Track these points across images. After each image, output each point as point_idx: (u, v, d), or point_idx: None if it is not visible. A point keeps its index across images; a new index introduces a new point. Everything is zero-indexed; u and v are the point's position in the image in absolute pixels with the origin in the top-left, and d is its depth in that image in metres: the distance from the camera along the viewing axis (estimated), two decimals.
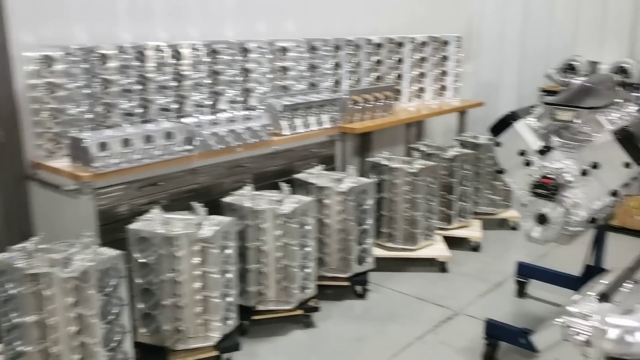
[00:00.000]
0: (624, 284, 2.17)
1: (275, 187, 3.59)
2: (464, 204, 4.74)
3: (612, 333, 1.85)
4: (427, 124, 5.60)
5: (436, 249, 4.37)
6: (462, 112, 5.42)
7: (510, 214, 5.04)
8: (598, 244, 3.51)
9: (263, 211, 3.30)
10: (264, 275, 3.39)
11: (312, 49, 4.26)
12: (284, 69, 4.10)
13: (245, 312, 3.41)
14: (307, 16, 4.44)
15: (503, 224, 5.17)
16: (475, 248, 4.71)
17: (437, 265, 4.35)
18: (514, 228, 5.07)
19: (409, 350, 3.35)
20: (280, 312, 3.47)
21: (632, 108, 3.11)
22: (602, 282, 2.23)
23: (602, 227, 3.45)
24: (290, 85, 4.15)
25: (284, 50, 4.08)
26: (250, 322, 3.46)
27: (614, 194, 2.78)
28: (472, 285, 4.12)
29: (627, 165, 2.71)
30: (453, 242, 4.63)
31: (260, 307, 3.45)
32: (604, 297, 2.00)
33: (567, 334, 1.93)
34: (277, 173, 3.90)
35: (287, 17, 4.31)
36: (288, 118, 3.86)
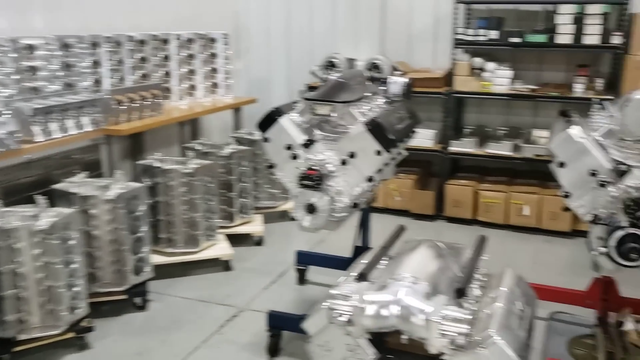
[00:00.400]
0: (380, 261, 2.35)
1: (31, 200, 3.21)
2: (245, 200, 4.79)
3: (370, 310, 1.99)
4: (202, 122, 5.53)
5: (219, 248, 4.34)
6: (236, 109, 5.45)
7: (290, 205, 5.22)
8: (364, 226, 3.79)
9: (16, 229, 2.93)
10: (24, 300, 3.01)
11: (65, 46, 3.88)
12: (33, 69, 3.67)
13: (4, 344, 3.01)
14: (58, 11, 4.03)
15: (284, 215, 5.34)
16: (259, 242, 4.79)
17: (221, 265, 4.32)
18: (293, 219, 5.26)
19: (195, 355, 3.27)
20: (47, 338, 3.12)
21: (380, 100, 3.41)
22: (363, 262, 2.39)
23: (365, 210, 3.73)
24: (42, 87, 3.73)
25: (31, 48, 3.66)
26: (12, 354, 3.06)
27: (370, 179, 3.03)
28: (257, 280, 4.18)
29: (378, 153, 2.97)
30: (237, 239, 4.65)
31: (23, 337, 3.07)
32: (361, 276, 2.14)
33: (331, 316, 2.03)
34: (32, 185, 3.49)
35: (34, 12, 3.86)
36: (41, 123, 3.46)
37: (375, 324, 2.00)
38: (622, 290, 3.26)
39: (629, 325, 3.21)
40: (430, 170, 5.86)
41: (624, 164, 2.67)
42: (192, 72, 5.05)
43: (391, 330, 2.03)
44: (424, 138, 5.35)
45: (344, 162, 2.99)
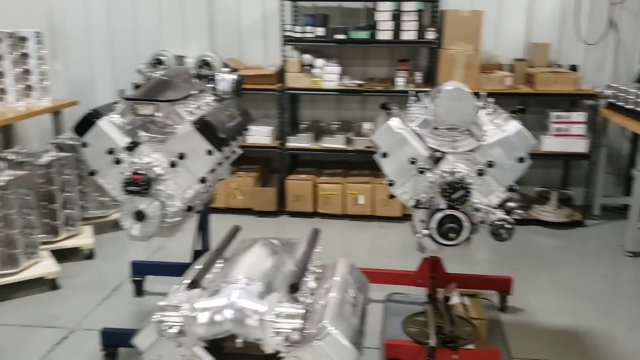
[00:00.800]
0: (213, 265, 2.27)
1: None
2: (70, 211, 4.42)
3: (202, 317, 1.91)
4: (16, 129, 5.00)
5: (42, 266, 3.95)
6: (55, 112, 5.01)
7: None
8: (202, 228, 3.69)
9: None
10: None
11: None
12: None
13: None
14: None
15: (117, 225, 4.97)
16: (89, 256, 4.45)
17: (47, 284, 3.94)
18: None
19: None
20: None
21: (209, 98, 3.32)
22: (196, 268, 2.30)
23: (203, 212, 3.63)
24: None
25: None
26: None
27: (203, 180, 2.93)
28: (88, 296, 3.87)
29: (209, 152, 2.88)
30: (64, 255, 4.28)
31: None
32: (192, 284, 2.05)
33: (161, 329, 1.92)
34: None
35: None
36: None
37: (209, 331, 1.92)
38: (448, 267, 3.51)
39: (455, 299, 3.47)
40: (270, 166, 5.89)
41: (439, 151, 2.86)
42: (0, 74, 4.54)
43: (227, 335, 1.97)
44: (261, 135, 5.36)
45: (173, 164, 2.86)
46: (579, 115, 5.11)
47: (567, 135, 5.10)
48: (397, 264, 4.03)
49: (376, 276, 3.78)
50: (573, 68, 5.28)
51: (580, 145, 5.12)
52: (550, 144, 5.11)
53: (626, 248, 4.64)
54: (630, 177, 4.92)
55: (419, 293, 3.58)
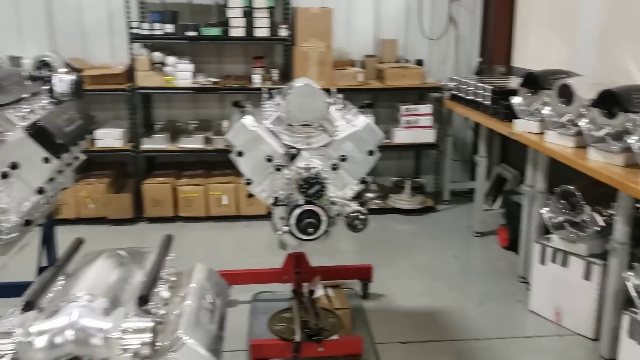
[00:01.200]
0: (53, 283, 2.08)
1: None
2: None
3: (40, 341, 1.73)
4: None
5: None
6: None
7: None
8: (47, 243, 3.41)
9: None
10: None
11: None
12: None
13: None
14: None
15: None
16: None
17: None
18: None
19: None
20: None
21: (45, 101, 3.06)
22: (33, 288, 2.09)
23: (47, 225, 3.35)
24: None
25: None
26: None
27: (40, 191, 2.70)
28: None
29: (46, 160, 2.65)
30: None
31: None
32: (27, 305, 1.86)
33: None
34: None
35: None
36: None
37: (49, 355, 1.74)
38: (313, 260, 3.54)
39: (319, 292, 3.53)
40: (124, 171, 5.59)
41: (294, 147, 2.88)
42: None
43: (71, 358, 1.80)
44: (111, 138, 5.08)
45: (4, 175, 2.58)
46: (426, 108, 5.42)
47: (416, 127, 5.40)
48: (264, 262, 4.01)
49: (242, 277, 3.75)
50: (419, 63, 5.59)
51: (428, 136, 5.44)
52: (402, 135, 5.37)
53: (473, 229, 5.02)
54: (474, 163, 5.30)
55: (286, 289, 3.59)
